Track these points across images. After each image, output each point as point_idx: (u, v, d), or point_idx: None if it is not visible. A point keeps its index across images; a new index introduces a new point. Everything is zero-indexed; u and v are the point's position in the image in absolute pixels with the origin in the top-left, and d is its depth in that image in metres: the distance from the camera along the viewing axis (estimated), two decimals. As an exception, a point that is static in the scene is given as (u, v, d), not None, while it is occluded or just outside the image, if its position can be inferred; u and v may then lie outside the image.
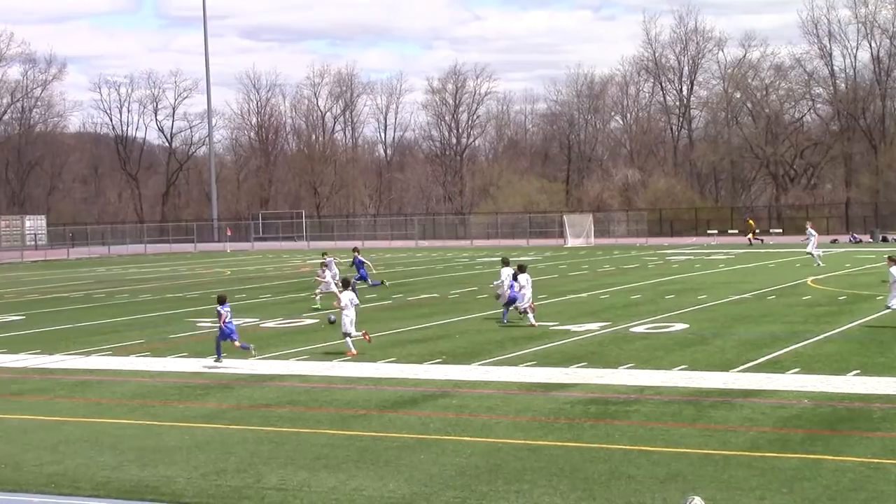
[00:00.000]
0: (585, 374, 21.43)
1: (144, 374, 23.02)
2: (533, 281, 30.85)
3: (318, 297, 36.61)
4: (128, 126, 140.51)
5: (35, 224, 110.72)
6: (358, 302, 26.02)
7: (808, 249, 52.40)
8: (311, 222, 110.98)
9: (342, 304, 25.14)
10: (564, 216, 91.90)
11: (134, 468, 14.83)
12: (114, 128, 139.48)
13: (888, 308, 28.05)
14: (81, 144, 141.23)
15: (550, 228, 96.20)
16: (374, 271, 45.47)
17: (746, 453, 14.74)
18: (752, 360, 22.41)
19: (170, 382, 21.90)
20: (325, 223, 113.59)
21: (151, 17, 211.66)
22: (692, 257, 61.98)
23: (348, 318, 24.91)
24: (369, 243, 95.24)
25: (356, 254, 43.35)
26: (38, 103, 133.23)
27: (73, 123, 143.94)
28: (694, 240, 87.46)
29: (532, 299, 30.10)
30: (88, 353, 26.39)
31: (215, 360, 23.72)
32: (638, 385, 19.98)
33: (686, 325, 28.59)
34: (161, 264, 71.40)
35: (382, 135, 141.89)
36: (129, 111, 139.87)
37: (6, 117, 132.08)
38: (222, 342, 23.73)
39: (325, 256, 39.84)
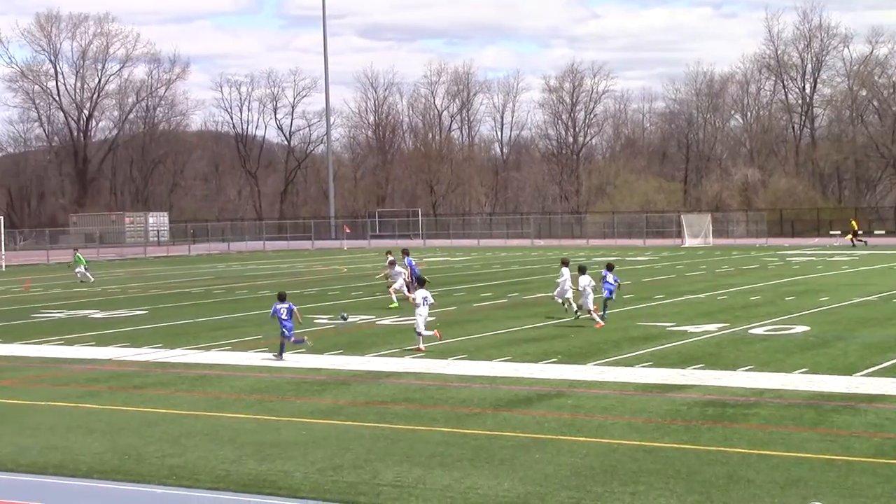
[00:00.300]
0: (703, 375, 21.13)
1: (262, 370, 23.32)
2: (649, 281, 30.50)
3: (394, 296, 36.64)
4: (248, 124, 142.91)
5: (158, 221, 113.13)
6: (432, 301, 26.29)
7: None
8: (426, 220, 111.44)
9: (416, 302, 25.52)
10: (682, 216, 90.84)
11: (252, 462, 15.02)
12: (234, 126, 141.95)
13: None
14: (203, 142, 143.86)
15: (668, 228, 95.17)
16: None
17: (871, 460, 14.38)
18: (877, 364, 21.86)
19: (287, 378, 22.15)
20: (440, 221, 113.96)
21: (272, 17, 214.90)
22: (814, 258, 60.78)
23: (420, 316, 25.24)
24: (485, 242, 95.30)
25: (406, 256, 40.55)
26: (162, 102, 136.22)
27: (195, 122, 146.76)
28: (816, 241, 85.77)
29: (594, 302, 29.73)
30: (208, 348, 26.84)
31: (275, 356, 24.52)
32: (757, 388, 19.63)
33: (807, 328, 28.03)
34: (279, 261, 72.35)
35: (499, 133, 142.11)
36: (249, 110, 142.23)
37: (131, 116, 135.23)
38: (287, 341, 24.48)
39: (389, 255, 39.62)
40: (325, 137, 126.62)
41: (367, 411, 18.43)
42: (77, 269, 54.02)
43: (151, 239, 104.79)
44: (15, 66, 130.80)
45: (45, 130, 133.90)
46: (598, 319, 29.25)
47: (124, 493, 13.73)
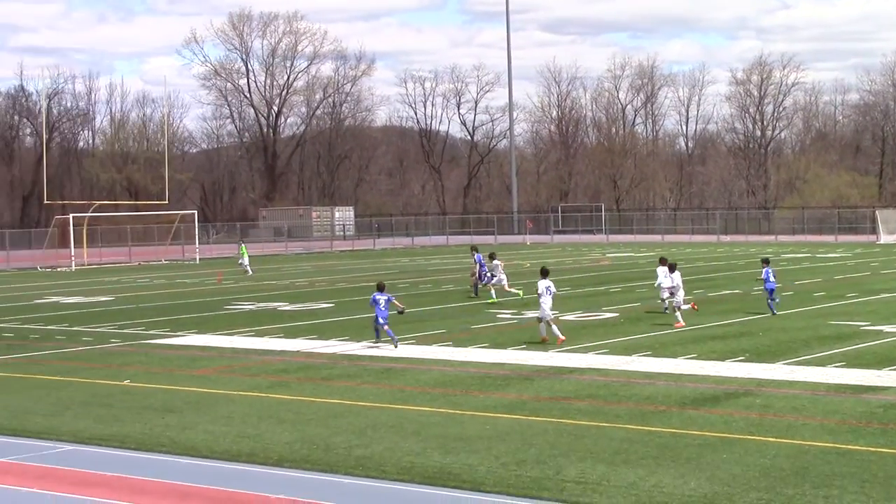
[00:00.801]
0: (899, 377, 20.40)
1: (447, 364, 23.50)
2: (841, 278, 29.63)
3: (492, 291, 37.82)
4: (432, 120, 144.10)
5: (344, 215, 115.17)
6: (555, 290, 26.68)
7: None
8: (610, 216, 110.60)
9: (539, 291, 26.05)
10: (877, 211, 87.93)
11: (437, 455, 15.14)
12: (418, 121, 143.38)
13: None
14: (387, 138, 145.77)
15: (861, 224, 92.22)
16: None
17: None
18: None
19: (471, 372, 22.27)
20: (624, 217, 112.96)
21: (456, 13, 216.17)
22: None
23: (546, 305, 25.85)
24: (669, 238, 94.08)
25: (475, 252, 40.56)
26: (348, 98, 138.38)
27: (380, 117, 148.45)
28: None
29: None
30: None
31: (372, 342, 26.15)
32: (957, 391, 18.85)
33: None
34: (462, 255, 72.78)
35: (684, 127, 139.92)
36: (433, 105, 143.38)
37: (318, 112, 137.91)
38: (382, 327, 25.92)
39: (475, 252, 40.21)
40: (508, 132, 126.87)
41: (551, 406, 18.38)
42: (240, 261, 55.94)
43: (337, 233, 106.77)
44: (209, 65, 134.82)
45: (236, 127, 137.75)
46: (680, 319, 28.77)
47: (312, 482, 14.00)
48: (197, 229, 77.19)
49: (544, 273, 27.20)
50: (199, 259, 71.54)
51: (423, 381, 21.40)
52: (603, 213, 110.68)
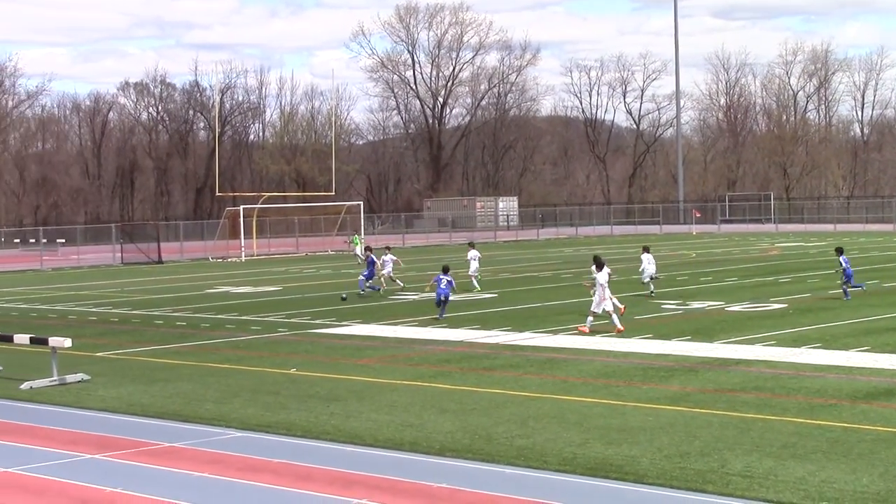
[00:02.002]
0: None
1: (609, 354, 23.29)
2: None
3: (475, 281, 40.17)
4: (597, 109, 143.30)
5: (508, 205, 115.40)
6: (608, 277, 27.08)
7: None
8: (779, 204, 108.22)
9: (600, 282, 26.52)
10: None
11: (598, 446, 15.01)
12: (583, 111, 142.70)
13: None
14: (552, 128, 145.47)
15: None
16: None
17: None
18: None
19: (634, 363, 22.03)
20: (794, 205, 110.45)
21: (624, 1, 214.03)
22: None
23: (598, 297, 26.35)
24: (841, 227, 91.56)
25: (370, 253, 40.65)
26: (513, 88, 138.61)
27: (545, 107, 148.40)
28: None
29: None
30: (556, 332, 27.07)
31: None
32: None
33: None
34: (627, 246, 72.17)
35: (859, 113, 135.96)
36: (598, 94, 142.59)
37: (483, 103, 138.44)
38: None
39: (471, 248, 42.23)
40: (675, 121, 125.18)
41: (716, 398, 18.05)
42: (356, 250, 56.91)
43: (501, 223, 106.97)
44: (376, 57, 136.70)
45: (402, 118, 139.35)
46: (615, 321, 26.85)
47: (474, 472, 14.02)
48: (363, 220, 78.30)
49: (600, 265, 27.25)
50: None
51: (585, 371, 21.26)
52: (772, 201, 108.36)
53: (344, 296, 37.45)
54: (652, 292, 33.87)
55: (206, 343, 27.17)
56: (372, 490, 13.31)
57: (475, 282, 39.66)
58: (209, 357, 24.61)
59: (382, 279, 39.75)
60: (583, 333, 26.25)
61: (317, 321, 31.13)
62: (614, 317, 26.50)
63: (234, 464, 14.76)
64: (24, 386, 20.97)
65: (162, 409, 18.63)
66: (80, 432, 17.00)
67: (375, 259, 39.66)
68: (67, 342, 21.50)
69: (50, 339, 22.01)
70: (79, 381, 21.45)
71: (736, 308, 31.11)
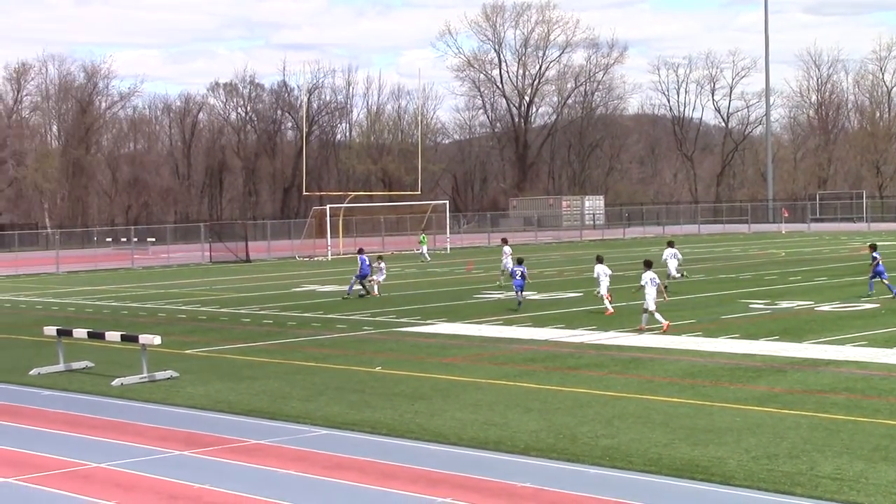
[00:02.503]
0: None
1: (695, 354, 23.07)
2: None
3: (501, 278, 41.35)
4: (684, 107, 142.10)
5: (594, 204, 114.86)
6: (659, 281, 27.42)
7: None
8: (871, 203, 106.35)
9: (642, 283, 27.02)
10: None
11: (684, 447, 14.87)
12: (671, 109, 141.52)
13: None
14: (639, 126, 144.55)
15: None
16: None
17: None
18: None
19: (721, 363, 21.79)
20: (887, 204, 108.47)
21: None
22: None
23: (650, 296, 26.60)
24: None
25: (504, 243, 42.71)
26: (600, 87, 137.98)
27: (632, 105, 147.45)
28: None
29: None
30: (642, 331, 26.86)
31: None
32: None
33: None
34: (714, 244, 71.45)
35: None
36: (686, 92, 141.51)
37: (570, 101, 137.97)
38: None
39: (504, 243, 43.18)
40: (765, 118, 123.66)
41: (805, 399, 17.79)
42: (421, 249, 59.96)
43: (587, 222, 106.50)
44: (462, 56, 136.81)
45: (488, 117, 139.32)
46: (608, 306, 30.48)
47: (558, 472, 13.97)
48: (448, 219, 78.41)
49: (648, 265, 27.94)
50: (450, 248, 72.60)
51: (670, 371, 21.08)
52: (864, 200, 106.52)
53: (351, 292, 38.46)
54: (666, 287, 32.07)
55: (293, 341, 27.41)
56: (456, 489, 13.32)
57: (502, 278, 41.32)
58: (295, 355, 24.82)
59: (376, 286, 39.17)
60: (640, 331, 26.70)
61: (402, 319, 31.24)
62: (657, 315, 26.77)
63: (320, 461, 14.87)
64: (115, 382, 21.33)
65: (248, 406, 18.82)
66: (169, 429, 17.25)
67: (367, 259, 39.22)
68: (157, 339, 21.83)
69: (140, 336, 22.36)
70: (168, 378, 21.77)
71: (826, 308, 30.64)
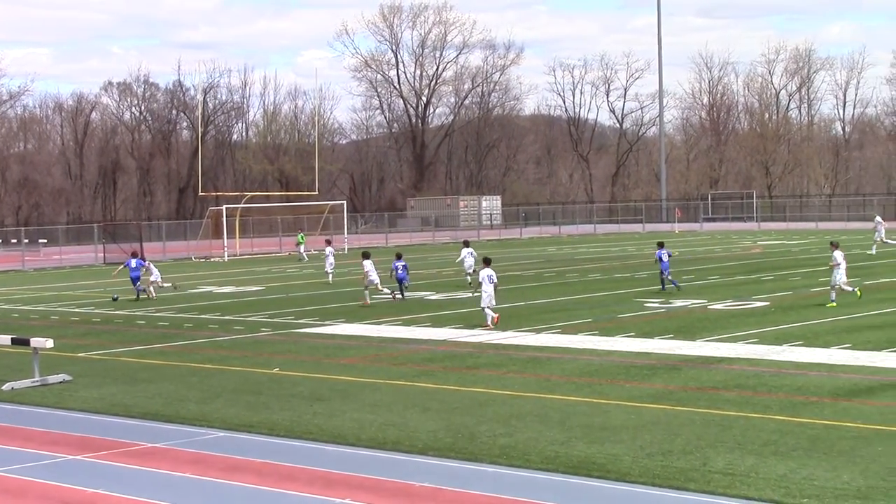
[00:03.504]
0: None
1: (592, 353, 23.32)
2: None
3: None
4: (580, 107, 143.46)
5: (491, 204, 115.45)
6: (496, 280, 28.07)
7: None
8: (761, 203, 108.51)
9: (479, 279, 28.01)
10: None
11: (581, 444, 15.03)
12: (566, 110, 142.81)
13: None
14: (536, 126, 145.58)
15: None
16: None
17: None
18: None
19: (617, 362, 22.06)
20: (776, 204, 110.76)
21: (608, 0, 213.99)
22: None
23: (486, 294, 27.53)
24: (823, 225, 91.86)
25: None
26: (497, 88, 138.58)
27: (528, 106, 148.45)
28: None
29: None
30: (539, 331, 27.10)
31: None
32: None
33: None
34: (610, 244, 72.30)
35: (840, 112, 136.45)
36: (581, 93, 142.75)
37: (467, 102, 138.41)
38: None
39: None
40: (658, 119, 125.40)
41: (698, 397, 18.10)
42: (300, 248, 62.15)
43: (485, 222, 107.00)
44: (360, 57, 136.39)
45: (385, 117, 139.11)
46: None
47: (457, 471, 14.02)
48: (346, 219, 78.20)
49: (487, 262, 28.88)
50: (348, 249, 72.43)
51: (568, 370, 21.29)
52: (755, 200, 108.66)
53: (115, 297, 38.78)
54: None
55: (189, 343, 27.11)
56: (355, 490, 13.30)
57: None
58: (192, 357, 24.56)
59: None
60: (489, 329, 27.53)
61: (300, 321, 31.09)
62: (489, 312, 27.90)
63: (217, 464, 14.74)
64: (6, 387, 20.89)
65: (144, 409, 18.58)
66: (62, 433, 16.95)
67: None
68: (49, 343, 21.43)
69: (32, 339, 21.93)
70: (60, 382, 21.39)
71: (718, 306, 31.19)
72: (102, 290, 44.49)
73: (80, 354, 25.40)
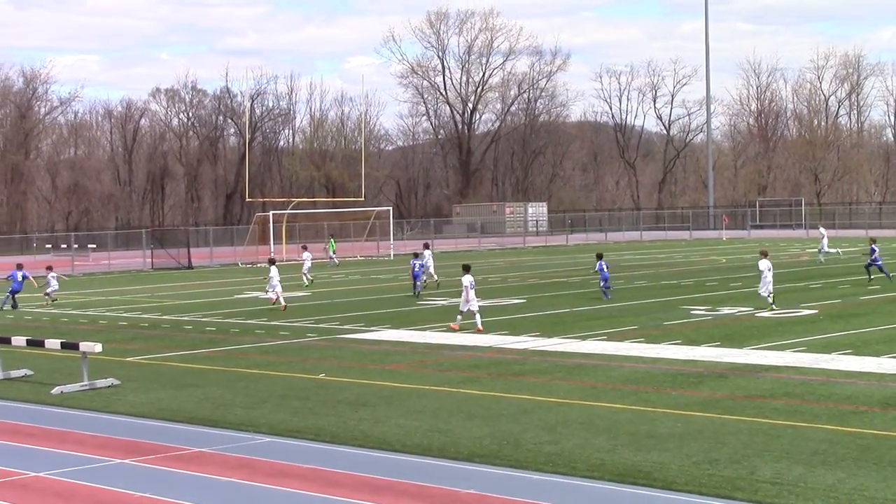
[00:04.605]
0: None
1: (638, 360, 23.22)
2: None
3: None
4: (627, 114, 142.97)
5: (537, 211, 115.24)
6: (474, 285, 29.53)
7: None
8: (810, 210, 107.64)
9: (464, 284, 29.01)
10: None
11: (627, 452, 14.96)
12: (613, 116, 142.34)
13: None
14: (582, 133, 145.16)
15: None
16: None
17: None
18: None
19: (663, 369, 21.95)
20: (825, 211, 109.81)
21: (655, 6, 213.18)
22: None
23: (465, 297, 28.79)
24: (874, 232, 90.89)
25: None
26: (543, 94, 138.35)
27: (575, 113, 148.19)
28: None
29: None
30: (584, 338, 27.01)
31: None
32: None
33: None
34: (656, 251, 71.95)
35: (891, 118, 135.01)
36: (628, 100, 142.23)
37: (513, 108, 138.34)
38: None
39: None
40: (705, 126, 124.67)
41: (745, 405, 17.96)
42: (330, 254, 62.83)
43: (530, 229, 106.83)
44: (406, 63, 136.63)
45: (431, 124, 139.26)
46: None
47: (502, 478, 14.00)
48: (392, 225, 78.33)
49: (466, 269, 30.05)
50: (394, 255, 72.52)
51: (614, 377, 21.20)
52: (803, 207, 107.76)
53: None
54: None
55: (236, 348, 27.26)
56: (400, 496, 13.31)
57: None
58: (238, 362, 24.69)
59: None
60: (453, 330, 28.92)
61: (346, 326, 31.17)
62: (477, 316, 29.13)
63: (263, 469, 14.80)
64: (55, 391, 21.10)
65: (191, 414, 18.70)
66: (110, 437, 17.09)
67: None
68: (98, 347, 21.62)
69: (81, 343, 22.14)
70: (109, 386, 21.57)
71: (766, 314, 30.96)
72: (150, 295, 44.85)
73: (128, 359, 25.61)
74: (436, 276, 44.66)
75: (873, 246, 40.93)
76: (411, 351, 25.82)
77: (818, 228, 62.02)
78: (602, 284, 36.91)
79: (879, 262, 40.81)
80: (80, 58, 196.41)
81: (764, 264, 32.61)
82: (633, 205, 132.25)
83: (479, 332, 28.49)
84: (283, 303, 36.31)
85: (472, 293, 29.20)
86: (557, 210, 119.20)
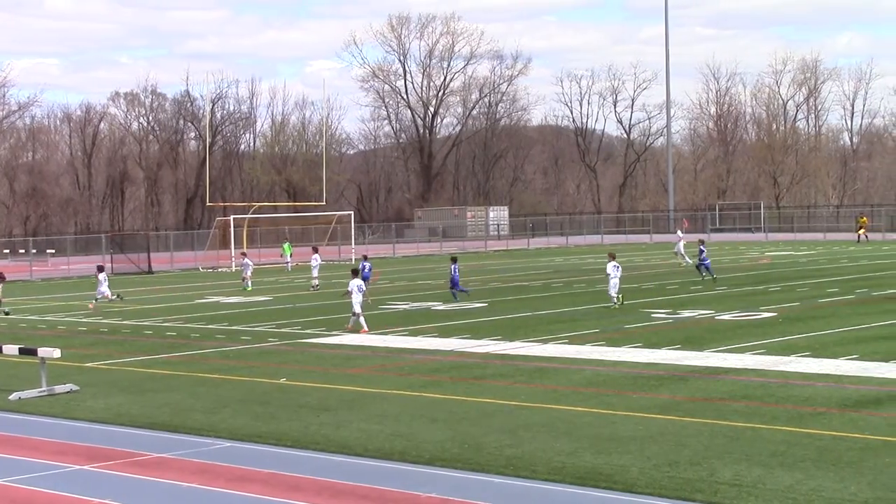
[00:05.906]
0: None
1: (599, 364, 23.30)
2: None
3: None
4: (588, 118, 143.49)
5: (498, 215, 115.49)
6: (365, 289, 31.11)
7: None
8: (769, 213, 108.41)
9: (349, 289, 30.08)
10: None
11: (588, 455, 15.01)
12: (574, 120, 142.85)
13: None
14: (543, 137, 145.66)
15: None
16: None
17: None
18: None
19: (624, 372, 22.04)
20: (784, 214, 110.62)
21: (617, 11, 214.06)
22: None
23: (356, 301, 29.85)
24: (831, 235, 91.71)
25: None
26: (504, 98, 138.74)
27: (536, 117, 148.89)
28: None
29: None
30: (546, 341, 27.08)
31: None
32: None
33: None
34: (618, 255, 72.10)
35: (848, 122, 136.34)
36: (589, 104, 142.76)
37: (474, 112, 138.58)
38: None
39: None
40: (665, 130, 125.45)
41: (706, 408, 18.07)
42: (287, 259, 62.69)
43: (492, 233, 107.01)
44: (367, 67, 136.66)
45: (393, 128, 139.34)
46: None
47: (463, 481, 14.01)
48: (353, 230, 78.24)
49: (355, 273, 31.94)
50: (355, 259, 72.41)
51: (575, 380, 21.27)
52: (762, 210, 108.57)
53: (6, 311, 39.00)
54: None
55: (196, 353, 27.14)
56: (361, 500, 13.30)
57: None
58: (199, 367, 24.57)
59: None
60: (364, 333, 29.52)
61: (307, 331, 31.11)
62: (362, 318, 30.05)
63: (223, 474, 14.74)
64: (13, 397, 20.92)
65: (151, 419, 18.59)
66: (69, 443, 16.97)
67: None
68: (56, 353, 21.44)
69: (39, 349, 21.95)
70: (68, 392, 21.41)
71: (726, 317, 31.15)
72: (112, 299, 44.56)
73: (87, 364, 25.43)
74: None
75: (701, 247, 44.66)
76: (373, 355, 25.80)
77: (677, 232, 63.12)
78: (454, 288, 38.76)
79: (707, 263, 44.37)
80: (38, 61, 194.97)
81: (611, 266, 34.85)
82: (594, 208, 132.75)
83: (347, 330, 30.07)
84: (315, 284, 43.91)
85: (359, 295, 30.17)
86: (519, 214, 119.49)
